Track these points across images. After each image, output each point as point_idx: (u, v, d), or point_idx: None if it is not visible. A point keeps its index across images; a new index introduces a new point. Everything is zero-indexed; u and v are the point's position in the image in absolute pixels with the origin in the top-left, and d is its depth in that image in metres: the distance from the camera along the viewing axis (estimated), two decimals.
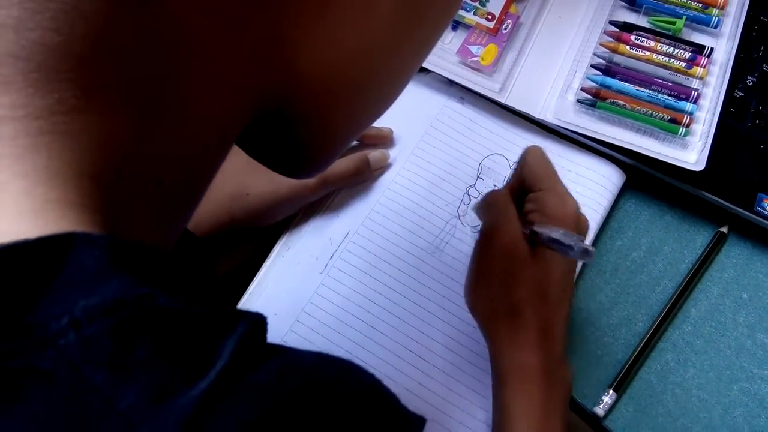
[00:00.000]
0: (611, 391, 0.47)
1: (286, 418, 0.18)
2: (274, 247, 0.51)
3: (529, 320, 0.40)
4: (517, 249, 0.40)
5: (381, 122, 0.35)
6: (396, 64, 0.27)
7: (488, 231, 0.41)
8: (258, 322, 0.19)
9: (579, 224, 0.41)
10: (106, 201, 0.20)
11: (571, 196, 0.41)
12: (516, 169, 0.44)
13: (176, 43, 0.21)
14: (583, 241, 0.36)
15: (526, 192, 0.42)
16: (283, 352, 0.19)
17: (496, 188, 0.44)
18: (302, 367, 0.19)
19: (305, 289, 0.49)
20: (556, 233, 0.37)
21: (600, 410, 0.47)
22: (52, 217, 0.18)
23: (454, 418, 0.46)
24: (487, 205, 0.42)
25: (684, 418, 0.47)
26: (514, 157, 0.54)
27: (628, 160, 0.53)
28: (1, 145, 0.19)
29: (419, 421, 0.21)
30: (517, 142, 0.55)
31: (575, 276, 0.44)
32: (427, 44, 0.29)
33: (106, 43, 0.19)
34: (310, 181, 0.49)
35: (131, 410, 0.16)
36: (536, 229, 0.39)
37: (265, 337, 0.20)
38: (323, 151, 0.30)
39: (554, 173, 0.42)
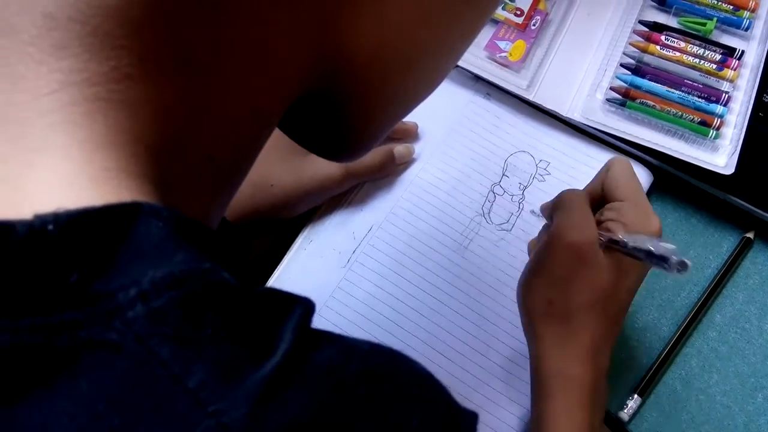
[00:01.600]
0: (636, 396, 0.47)
1: (353, 399, 0.18)
2: (296, 240, 0.50)
3: (585, 329, 0.38)
4: (590, 252, 0.38)
5: (407, 117, 0.34)
6: (444, 44, 0.27)
7: (561, 228, 0.39)
8: (309, 307, 0.19)
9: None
10: (161, 173, 0.20)
11: (655, 214, 0.40)
12: (597, 177, 0.43)
13: (232, 11, 0.20)
14: (677, 252, 0.34)
15: (602, 203, 0.41)
16: (337, 337, 0.19)
17: (572, 189, 0.42)
18: (360, 352, 0.19)
19: (327, 284, 0.48)
20: (649, 243, 0.35)
21: (624, 414, 0.46)
22: (110, 186, 0.18)
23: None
24: (562, 203, 0.40)
25: (708, 425, 0.46)
26: (540, 155, 0.53)
27: (655, 162, 0.53)
28: (59, 111, 0.18)
29: (473, 415, 0.21)
30: (543, 139, 0.54)
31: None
32: (474, 25, 0.28)
33: (161, 9, 0.19)
34: (335, 174, 0.48)
35: (200, 388, 0.16)
36: (622, 237, 0.37)
37: (311, 322, 0.19)
38: (367, 132, 0.29)
39: (640, 188, 0.41)
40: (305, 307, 0.19)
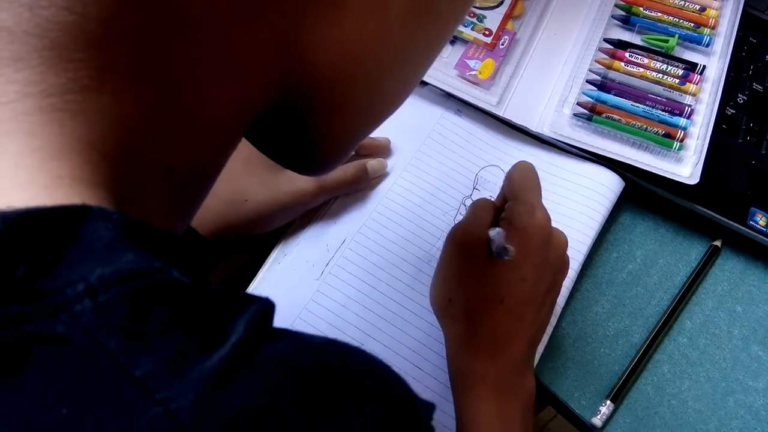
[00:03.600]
0: (609, 402, 0.47)
1: (303, 391, 0.18)
2: (271, 254, 0.50)
3: (480, 325, 0.40)
4: (476, 250, 0.40)
5: (379, 132, 0.35)
6: (410, 57, 0.27)
7: (453, 230, 0.42)
8: (268, 305, 0.19)
9: (553, 238, 0.41)
10: (117, 181, 0.20)
11: (544, 209, 0.41)
12: (504, 180, 0.44)
13: (193, 26, 0.21)
14: (504, 235, 0.38)
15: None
16: (294, 333, 0.19)
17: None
18: (314, 346, 0.19)
19: (301, 296, 0.48)
20: (491, 231, 0.38)
21: (597, 421, 0.46)
22: (63, 192, 0.18)
23: (450, 428, 0.45)
24: (468, 208, 0.43)
25: (681, 430, 0.47)
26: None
27: (623, 174, 0.54)
28: (16, 120, 0.19)
29: (429, 406, 0.21)
30: (513, 153, 0.55)
31: (553, 289, 0.43)
32: (441, 38, 0.29)
33: (119, 24, 0.20)
34: (308, 188, 0.49)
35: (148, 377, 0.16)
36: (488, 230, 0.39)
37: (272, 321, 0.19)
38: (335, 146, 0.30)
39: (532, 185, 0.42)
40: (262, 305, 0.19)
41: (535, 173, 0.43)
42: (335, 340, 0.20)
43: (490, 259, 0.40)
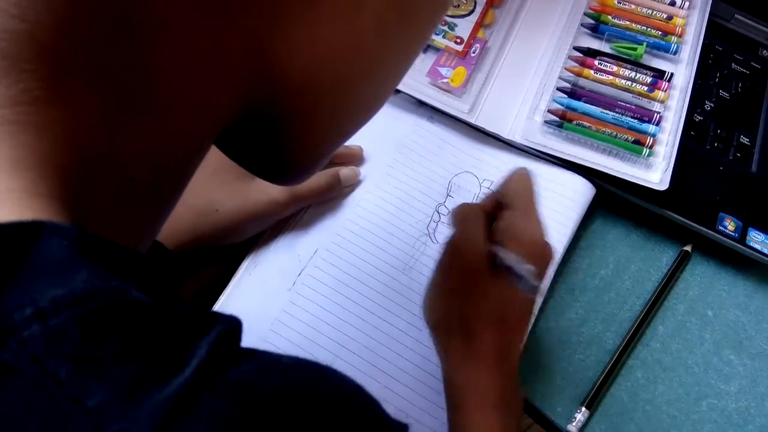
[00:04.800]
0: (583, 409, 0.47)
1: (267, 416, 0.17)
2: (242, 264, 0.50)
3: (484, 340, 0.39)
4: (478, 265, 0.39)
5: (351, 141, 0.34)
6: (382, 67, 0.27)
7: (452, 243, 0.40)
8: (234, 324, 0.19)
9: (543, 252, 0.41)
10: (74, 195, 0.19)
11: (542, 222, 0.41)
12: (499, 185, 0.44)
13: (157, 33, 0.20)
14: (533, 272, 0.36)
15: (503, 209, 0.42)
16: (261, 353, 0.18)
17: (468, 202, 0.43)
18: (281, 367, 0.18)
19: (272, 307, 0.48)
20: (511, 258, 0.36)
21: (573, 427, 0.46)
22: (13, 205, 0.18)
23: None
24: (457, 217, 0.41)
25: None
26: (484, 175, 0.55)
27: (594, 180, 0.54)
28: None
29: (402, 427, 0.21)
30: (486, 160, 0.55)
31: (538, 301, 0.43)
32: (413, 46, 0.28)
33: (75, 32, 0.19)
34: (280, 197, 0.49)
35: (101, 408, 0.15)
36: (496, 251, 0.38)
37: (239, 341, 0.19)
38: (308, 155, 0.29)
39: (532, 195, 0.42)
40: (228, 324, 0.18)
41: (532, 182, 0.42)
42: (304, 360, 0.19)
43: (490, 273, 0.39)
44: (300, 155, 0.29)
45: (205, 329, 0.18)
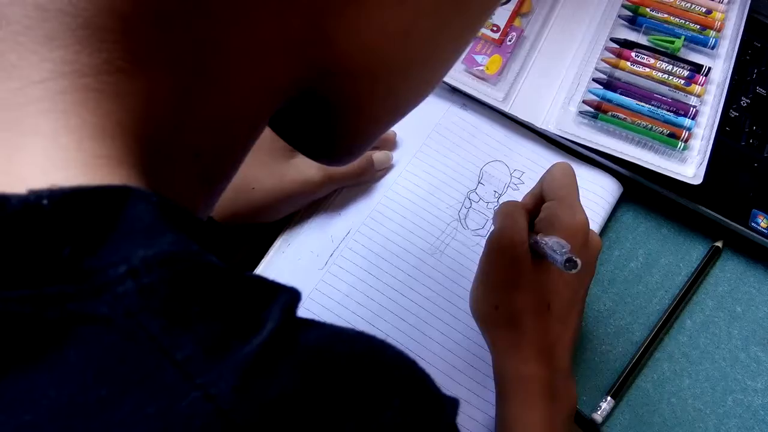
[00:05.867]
0: (609, 398, 0.47)
1: (336, 381, 0.18)
2: (274, 243, 0.50)
3: (530, 332, 0.39)
4: (519, 256, 0.39)
5: None
6: (436, 51, 0.27)
7: (494, 236, 0.41)
8: (295, 294, 0.19)
9: (589, 241, 0.41)
10: (149, 165, 0.20)
11: (584, 212, 0.41)
12: (540, 180, 0.44)
13: (223, 10, 0.20)
14: (568, 248, 0.35)
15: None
16: (323, 323, 0.19)
17: (511, 199, 0.44)
18: (346, 336, 0.19)
19: (304, 286, 0.48)
20: (549, 240, 0.37)
21: (598, 416, 0.47)
22: (102, 172, 0.18)
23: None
24: (498, 212, 0.42)
25: (679, 427, 0.47)
26: (515, 165, 0.55)
27: (626, 173, 0.54)
28: (50, 99, 0.18)
29: (455, 402, 0.21)
30: (518, 150, 0.55)
31: (586, 294, 0.43)
32: (467, 33, 0.28)
33: (153, 7, 0.19)
34: (315, 178, 0.49)
35: (188, 361, 0.16)
36: (536, 237, 0.39)
37: (297, 311, 0.20)
38: (357, 136, 0.30)
39: (573, 186, 0.42)
40: (292, 293, 0.19)
41: (574, 174, 0.43)
42: (365, 333, 0.20)
43: (534, 264, 0.39)
44: (350, 136, 0.29)
45: (274, 296, 0.18)
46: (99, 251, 0.17)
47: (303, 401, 0.17)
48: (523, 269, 0.39)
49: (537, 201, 0.43)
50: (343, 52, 0.24)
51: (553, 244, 0.36)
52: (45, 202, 0.16)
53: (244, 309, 0.18)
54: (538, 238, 0.38)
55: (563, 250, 0.35)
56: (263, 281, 0.19)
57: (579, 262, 0.34)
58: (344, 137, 0.29)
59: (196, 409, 0.15)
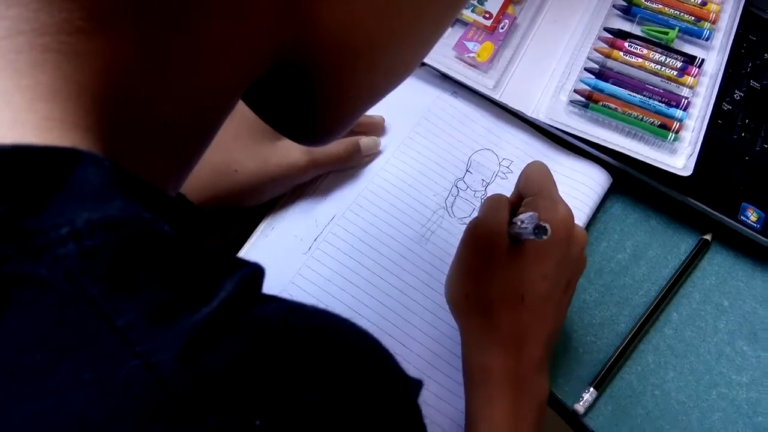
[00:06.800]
0: (592, 389, 0.47)
1: (286, 353, 0.17)
2: (258, 227, 0.50)
3: (500, 322, 0.39)
4: (494, 243, 0.39)
5: (373, 110, 0.34)
6: (417, 27, 0.27)
7: (472, 223, 0.41)
8: (258, 269, 0.19)
9: (574, 235, 0.41)
10: (108, 129, 0.20)
11: (566, 204, 0.40)
12: (517, 181, 0.44)
13: None
14: (536, 217, 0.35)
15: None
16: (283, 299, 0.19)
17: (498, 188, 0.44)
18: (303, 312, 0.19)
19: (288, 269, 0.48)
20: (520, 216, 0.36)
21: (580, 407, 0.46)
22: (53, 134, 0.18)
23: (428, 404, 0.45)
24: (484, 202, 0.42)
25: (662, 420, 0.47)
26: (504, 154, 0.54)
27: (616, 163, 0.54)
28: (4, 57, 0.18)
29: (417, 383, 0.21)
30: (507, 139, 0.55)
31: (570, 287, 0.42)
32: (446, 15, 0.28)
33: None
34: (300, 162, 0.49)
35: (129, 328, 0.15)
36: (512, 221, 0.38)
37: (261, 286, 0.19)
38: (337, 114, 0.29)
39: (550, 181, 0.42)
40: (253, 268, 0.18)
41: (549, 171, 0.43)
42: (325, 309, 0.19)
43: (511, 254, 0.39)
44: (329, 114, 0.29)
45: (233, 268, 0.18)
46: (41, 213, 0.16)
47: (250, 373, 0.16)
48: (498, 259, 0.39)
49: (519, 200, 0.42)
50: (325, 25, 0.23)
51: (524, 217, 0.36)
52: None
53: (196, 279, 0.17)
54: (513, 221, 0.38)
55: (532, 218, 0.35)
56: (223, 254, 0.18)
57: (548, 226, 0.33)
58: (323, 115, 0.29)
59: (135, 378, 0.15)
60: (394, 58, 0.28)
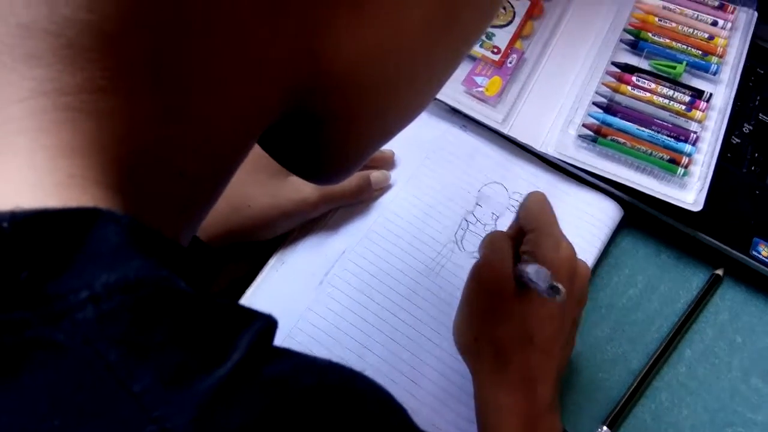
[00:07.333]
0: (605, 428, 0.46)
1: (300, 412, 0.17)
2: (269, 261, 0.50)
3: (512, 364, 0.39)
4: (502, 285, 0.39)
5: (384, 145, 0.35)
6: (425, 70, 0.27)
7: (477, 266, 0.40)
8: (270, 322, 0.19)
9: (576, 270, 0.41)
10: (127, 185, 0.20)
11: (567, 240, 0.40)
12: (517, 212, 0.44)
13: (216, 27, 0.20)
14: (550, 276, 0.35)
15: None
16: (295, 353, 0.19)
17: (498, 229, 0.43)
18: (316, 368, 0.19)
19: (298, 305, 0.48)
20: (530, 268, 0.36)
21: None
22: (74, 192, 0.18)
23: None
24: (485, 242, 0.42)
25: None
26: (513, 187, 0.54)
27: (626, 198, 0.54)
28: (29, 118, 0.18)
29: None
30: (516, 172, 0.55)
31: (575, 323, 0.42)
32: (457, 54, 0.28)
33: (138, 25, 0.19)
34: (311, 197, 0.49)
35: (146, 392, 0.15)
36: (518, 266, 0.38)
37: (273, 339, 0.19)
38: (348, 155, 0.29)
39: (551, 216, 0.42)
40: (266, 322, 0.19)
41: (548, 202, 0.42)
42: (337, 363, 0.19)
43: (518, 296, 0.39)
44: (340, 155, 0.29)
45: (245, 325, 0.18)
46: (60, 276, 0.16)
47: None
48: (506, 301, 0.39)
49: (519, 233, 0.42)
50: (333, 70, 0.24)
51: (535, 272, 0.36)
52: (5, 224, 0.16)
53: (210, 338, 0.17)
54: (520, 266, 0.38)
55: (546, 277, 0.34)
56: (236, 308, 0.18)
57: (562, 288, 0.33)
58: (335, 156, 0.29)
59: None
60: (405, 99, 0.28)
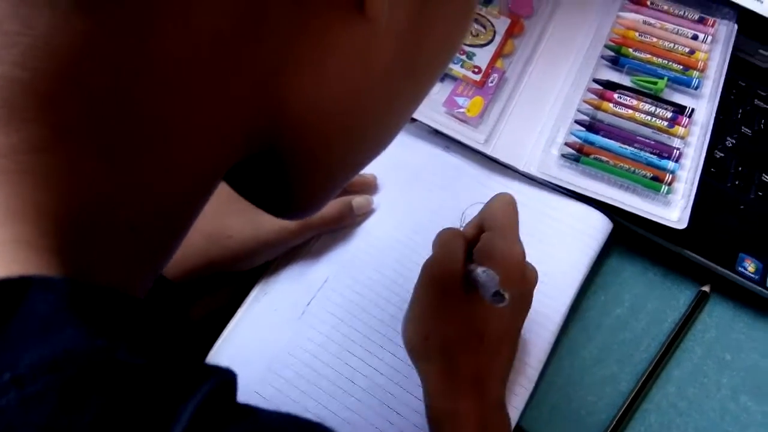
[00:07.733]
0: None
1: None
2: (251, 292, 0.49)
3: (462, 364, 0.38)
4: (451, 284, 0.39)
5: (365, 169, 0.34)
6: (387, 114, 0.27)
7: (428, 264, 0.40)
8: (226, 380, 0.18)
9: (526, 274, 0.40)
10: (72, 244, 0.19)
11: (521, 244, 0.40)
12: (480, 210, 0.43)
13: (160, 85, 0.20)
14: (497, 280, 0.34)
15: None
16: (251, 413, 0.18)
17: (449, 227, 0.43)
18: (270, 430, 0.18)
19: (280, 336, 0.47)
20: (480, 270, 0.36)
21: None
22: (7, 258, 0.17)
23: None
24: (437, 239, 0.41)
25: None
26: None
27: (610, 216, 0.53)
28: None
29: None
30: (501, 192, 0.54)
31: (521, 323, 0.43)
32: (418, 97, 0.29)
33: (76, 83, 0.19)
34: (292, 225, 0.48)
35: None
36: (469, 266, 0.38)
37: (233, 396, 0.18)
38: (315, 192, 0.29)
39: (512, 218, 0.41)
40: (220, 379, 0.17)
41: (515, 206, 0.42)
42: (299, 418, 0.18)
43: (468, 295, 0.38)
44: (307, 192, 0.29)
45: (191, 390, 0.17)
46: None
47: None
48: (456, 299, 0.38)
49: (478, 231, 0.42)
50: (296, 111, 0.23)
51: (484, 275, 0.35)
52: None
53: (148, 412, 0.16)
54: (471, 267, 0.37)
55: (492, 282, 0.34)
56: (183, 371, 0.17)
57: (507, 296, 0.33)
58: (303, 192, 0.29)
59: None
60: (369, 134, 0.28)
